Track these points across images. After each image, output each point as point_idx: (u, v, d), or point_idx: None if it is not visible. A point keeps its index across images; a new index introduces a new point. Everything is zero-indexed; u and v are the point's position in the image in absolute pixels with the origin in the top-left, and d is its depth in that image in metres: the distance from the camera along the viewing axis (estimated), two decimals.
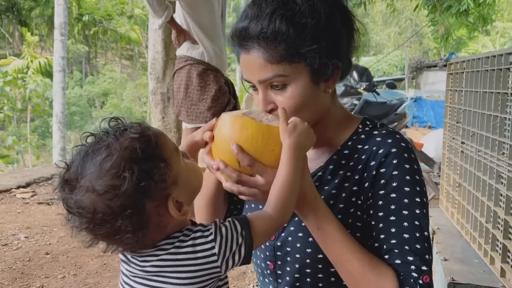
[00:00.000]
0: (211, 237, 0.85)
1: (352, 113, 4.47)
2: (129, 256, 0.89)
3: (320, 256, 1.05)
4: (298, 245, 1.10)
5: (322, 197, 1.07)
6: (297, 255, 1.09)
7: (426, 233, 1.00)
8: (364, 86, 7.88)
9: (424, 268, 0.97)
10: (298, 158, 0.91)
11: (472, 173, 2.76)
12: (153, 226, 0.84)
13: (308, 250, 1.08)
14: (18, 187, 6.05)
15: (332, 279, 1.07)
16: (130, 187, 0.78)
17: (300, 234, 1.10)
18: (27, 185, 6.22)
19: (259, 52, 1.00)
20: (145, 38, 24.25)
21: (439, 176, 3.65)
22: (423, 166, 3.59)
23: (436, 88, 14.95)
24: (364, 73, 7.96)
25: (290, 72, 1.00)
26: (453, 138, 3.21)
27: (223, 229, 0.86)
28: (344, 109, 1.19)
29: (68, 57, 11.04)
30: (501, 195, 2.35)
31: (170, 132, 6.40)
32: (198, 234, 0.86)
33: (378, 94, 7.97)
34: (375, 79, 9.26)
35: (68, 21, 10.52)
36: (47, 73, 16.77)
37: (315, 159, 1.15)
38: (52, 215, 5.27)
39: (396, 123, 8.06)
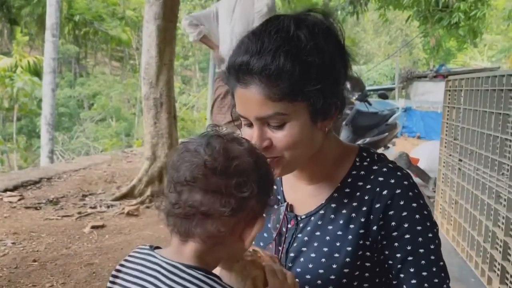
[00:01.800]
0: None
1: (344, 123, 4.48)
2: None
3: (332, 277, 1.06)
4: (308, 276, 1.09)
5: (327, 238, 1.08)
6: (306, 287, 1.08)
7: (441, 263, 1.04)
8: (357, 96, 7.89)
9: None
10: None
11: (470, 191, 2.76)
12: (235, 226, 0.85)
13: (319, 282, 1.07)
14: (5, 191, 5.92)
15: None
16: (260, 176, 0.86)
17: (310, 266, 1.08)
18: (14, 188, 6.10)
19: (260, 89, 0.96)
20: (136, 40, 24.09)
21: (434, 191, 3.65)
22: (418, 181, 3.60)
23: (425, 98, 15.06)
24: (357, 83, 7.97)
25: (290, 110, 0.98)
26: (450, 155, 3.22)
27: None
28: (338, 141, 1.17)
29: (58, 57, 10.88)
30: (500, 215, 2.36)
31: (162, 138, 6.33)
32: None
33: (370, 104, 7.98)
34: (366, 89, 9.29)
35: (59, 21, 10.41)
36: (36, 72, 16.56)
37: (315, 196, 1.14)
38: (40, 220, 5.17)
39: (386, 134, 8.08)
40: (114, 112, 20.30)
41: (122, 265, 0.90)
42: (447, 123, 3.38)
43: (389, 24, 23.03)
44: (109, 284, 0.89)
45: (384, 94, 9.28)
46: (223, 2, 4.73)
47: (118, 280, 0.88)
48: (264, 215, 0.89)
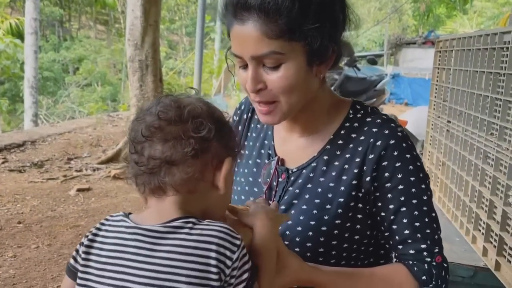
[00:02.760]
0: (237, 252, 0.79)
1: (332, 88, 4.39)
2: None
3: (322, 239, 1.05)
4: (299, 228, 1.07)
5: (319, 190, 1.07)
6: (297, 239, 1.07)
7: (433, 214, 1.06)
8: (345, 61, 7.84)
9: (435, 250, 1.04)
10: (272, 246, 0.91)
11: (458, 152, 2.75)
12: (202, 165, 0.83)
13: (310, 233, 1.06)
14: None
15: (332, 261, 1.07)
16: (215, 119, 0.86)
17: (302, 217, 1.07)
18: None
19: (257, 25, 0.94)
20: (121, 2, 23.48)
21: (421, 154, 3.66)
22: None
23: (414, 65, 15.05)
24: (346, 48, 7.91)
25: (287, 50, 0.96)
26: (439, 117, 3.20)
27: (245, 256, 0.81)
28: (332, 93, 1.16)
29: (41, 19, 10.51)
30: (487, 175, 2.35)
31: (148, 102, 6.23)
32: (221, 235, 0.79)
33: (358, 69, 7.97)
34: (355, 54, 9.23)
35: None
36: (18, 35, 16.09)
37: (307, 148, 1.13)
38: (24, 183, 5.13)
39: (374, 99, 8.10)
40: (99, 77, 19.95)
41: (95, 235, 0.85)
42: (436, 85, 3.35)
43: None
44: (83, 255, 0.84)
45: (373, 60, 9.25)
46: None
47: (93, 251, 0.84)
48: (230, 157, 0.88)
